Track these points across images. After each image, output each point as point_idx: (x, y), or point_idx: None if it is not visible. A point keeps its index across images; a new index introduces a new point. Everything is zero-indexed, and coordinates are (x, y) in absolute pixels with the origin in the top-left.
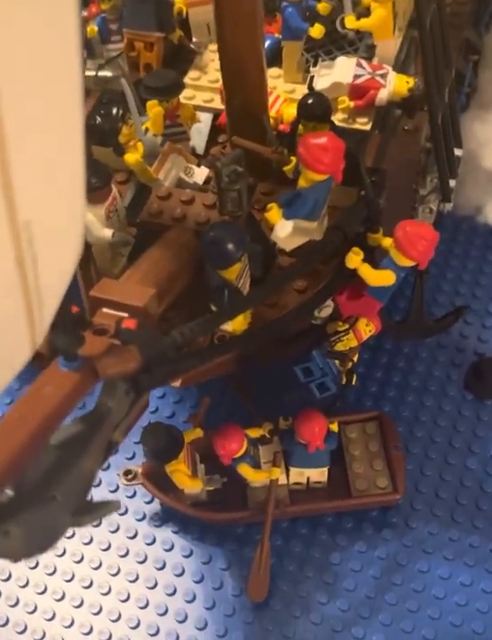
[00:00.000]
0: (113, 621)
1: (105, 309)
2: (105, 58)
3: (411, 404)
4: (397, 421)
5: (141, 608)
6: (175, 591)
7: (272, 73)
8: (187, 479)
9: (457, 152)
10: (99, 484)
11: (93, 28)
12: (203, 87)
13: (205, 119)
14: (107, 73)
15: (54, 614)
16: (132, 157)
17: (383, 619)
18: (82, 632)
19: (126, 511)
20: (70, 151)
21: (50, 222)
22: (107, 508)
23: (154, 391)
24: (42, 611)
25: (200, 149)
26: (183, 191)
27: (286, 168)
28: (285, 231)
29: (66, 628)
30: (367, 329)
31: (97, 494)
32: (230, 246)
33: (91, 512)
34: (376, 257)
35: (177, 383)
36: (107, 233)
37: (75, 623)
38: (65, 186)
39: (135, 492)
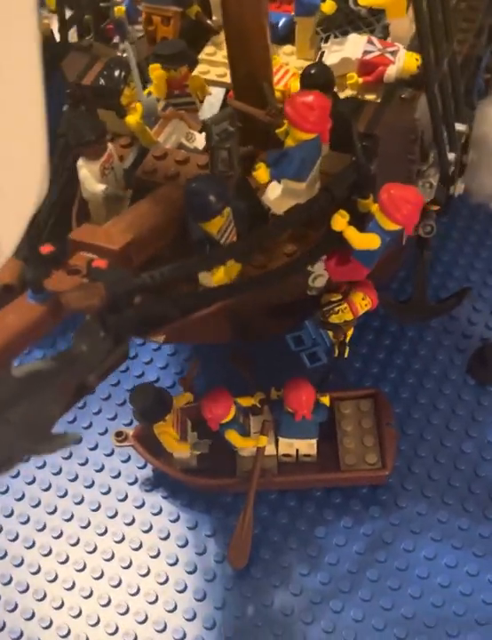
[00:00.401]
0: (95, 579)
1: (82, 253)
2: (131, 39)
3: (411, 386)
4: (395, 402)
5: (124, 568)
6: (158, 554)
7: (285, 50)
8: (175, 442)
9: (460, 127)
10: (95, 447)
11: (121, 8)
12: (218, 62)
13: (217, 93)
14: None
15: (39, 568)
16: (132, 119)
17: (363, 594)
18: (64, 587)
19: (119, 474)
20: (28, 85)
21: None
22: (65, 438)
23: (157, 362)
24: (27, 564)
25: None
26: (178, 151)
27: (278, 130)
28: (275, 193)
29: (49, 582)
30: (363, 303)
31: (92, 457)
32: (211, 198)
33: (48, 441)
34: (366, 224)
35: (160, 338)
36: (99, 187)
37: (59, 578)
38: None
39: (129, 457)
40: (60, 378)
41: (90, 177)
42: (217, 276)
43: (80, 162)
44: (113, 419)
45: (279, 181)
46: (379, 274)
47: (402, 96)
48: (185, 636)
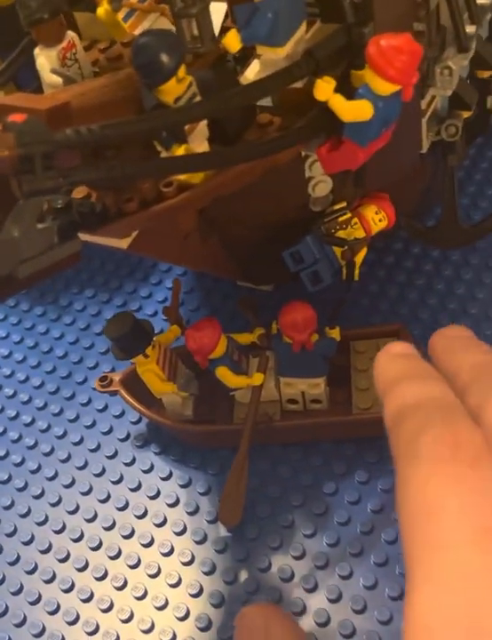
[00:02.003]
0: (73, 540)
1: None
2: None
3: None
4: (426, 344)
5: (106, 529)
6: (145, 513)
7: None
8: (159, 382)
9: (483, 0)
10: (87, 403)
11: None
12: None
13: (219, 8)
14: None
15: (15, 529)
16: (102, 9)
17: (376, 558)
18: (39, 550)
19: (110, 430)
20: None
21: None
22: None
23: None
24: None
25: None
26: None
27: None
28: (253, 71)
29: (23, 544)
30: (376, 218)
31: (84, 413)
32: (162, 56)
33: None
34: None
35: (123, 243)
36: (55, 79)
37: (35, 540)
38: None
39: (123, 412)
40: None
41: (46, 65)
42: (177, 154)
43: (37, 50)
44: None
45: (257, 55)
46: (399, 192)
47: None
48: (167, 603)
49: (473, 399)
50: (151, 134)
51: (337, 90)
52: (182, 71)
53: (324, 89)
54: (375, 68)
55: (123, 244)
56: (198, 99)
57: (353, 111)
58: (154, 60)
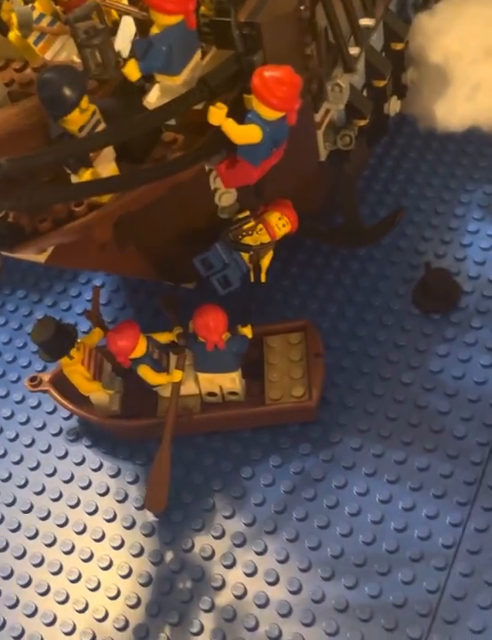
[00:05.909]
0: (11, 531)
1: None
2: None
3: (350, 319)
4: (333, 337)
5: (41, 519)
6: (78, 503)
7: None
8: (85, 381)
9: (367, 21)
10: (21, 400)
11: None
12: None
13: (131, 22)
14: None
15: None
16: (12, 34)
17: (287, 534)
18: None
19: (44, 426)
20: None
21: None
22: None
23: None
24: None
25: (125, 53)
26: (60, 63)
27: (152, 29)
28: (154, 96)
29: None
30: (280, 223)
31: (19, 410)
32: (65, 90)
33: None
34: None
35: (41, 258)
36: None
37: None
38: None
39: (55, 408)
40: None
41: None
42: (84, 178)
43: None
44: (42, 371)
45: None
46: (301, 197)
47: None
48: (99, 585)
49: None
50: (58, 163)
51: (231, 112)
52: (85, 102)
53: (217, 114)
54: (259, 96)
55: (41, 258)
56: (102, 125)
57: (244, 134)
58: (58, 93)
